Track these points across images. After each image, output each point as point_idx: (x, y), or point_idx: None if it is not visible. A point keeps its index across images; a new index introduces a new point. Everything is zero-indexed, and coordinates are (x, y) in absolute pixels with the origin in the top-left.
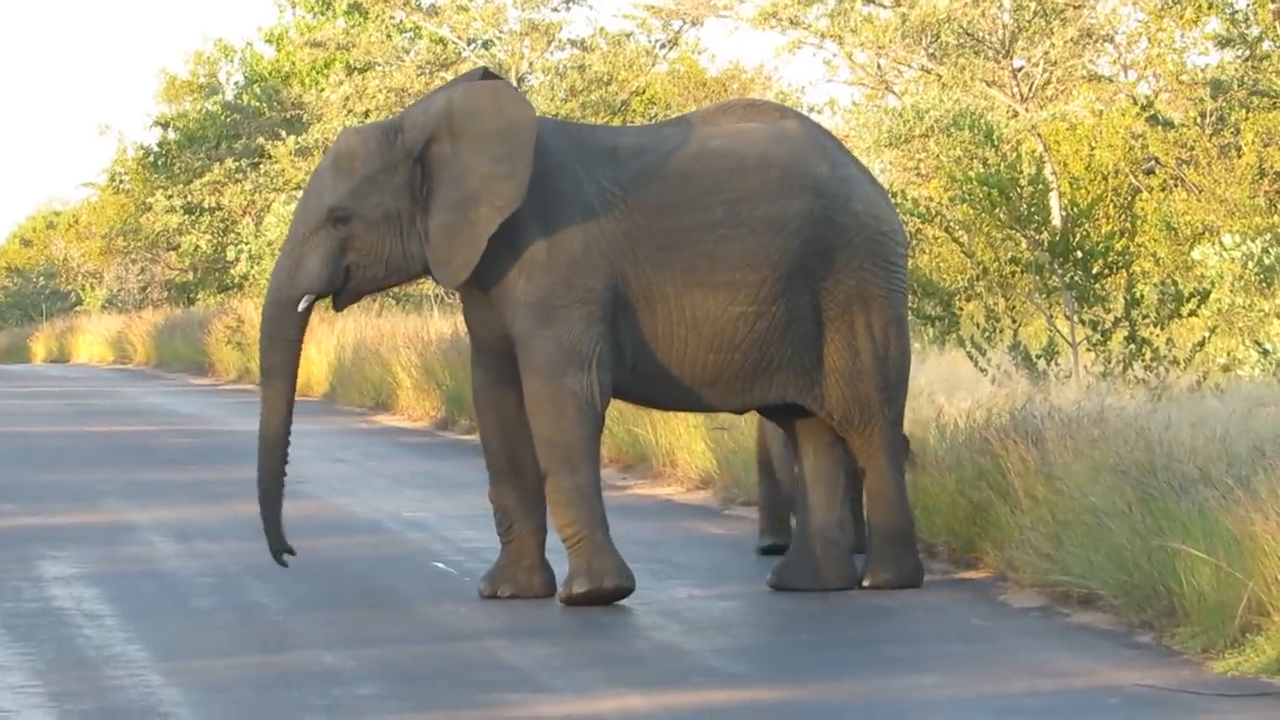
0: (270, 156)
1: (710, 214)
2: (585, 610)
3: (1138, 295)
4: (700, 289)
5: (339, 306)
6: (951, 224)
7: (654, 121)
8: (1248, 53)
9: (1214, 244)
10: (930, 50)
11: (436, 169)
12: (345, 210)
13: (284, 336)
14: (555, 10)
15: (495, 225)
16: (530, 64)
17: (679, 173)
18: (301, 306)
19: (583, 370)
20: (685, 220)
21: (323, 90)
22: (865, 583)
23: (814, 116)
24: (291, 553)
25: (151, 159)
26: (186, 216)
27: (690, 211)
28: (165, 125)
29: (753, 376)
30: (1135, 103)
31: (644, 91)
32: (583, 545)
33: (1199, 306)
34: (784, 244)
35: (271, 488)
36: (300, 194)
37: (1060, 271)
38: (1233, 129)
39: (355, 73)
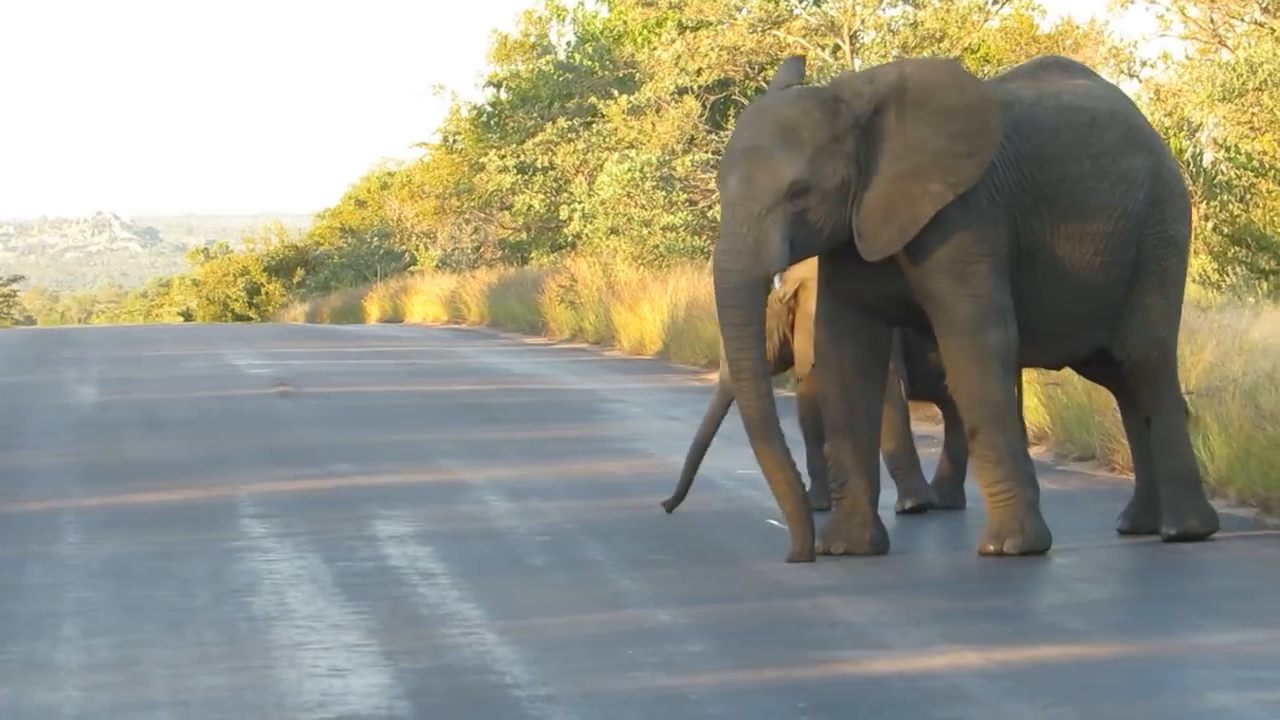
0: (603, 115)
1: (1080, 166)
2: (917, 566)
3: None
4: (1069, 240)
5: None
6: None
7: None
8: None
9: None
10: (1264, 3)
11: (880, 141)
12: (806, 183)
13: (756, 322)
14: None
15: (945, 202)
16: (862, 21)
17: (1049, 126)
18: (777, 285)
19: (999, 326)
20: (1061, 172)
21: (655, 49)
22: (1172, 532)
23: (1147, 71)
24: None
25: (484, 118)
26: (519, 176)
27: (1064, 164)
28: (498, 85)
29: (1087, 326)
30: None
31: (977, 49)
32: (1014, 503)
33: None
34: (1133, 196)
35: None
36: (720, 169)
37: None
38: None
39: (687, 31)
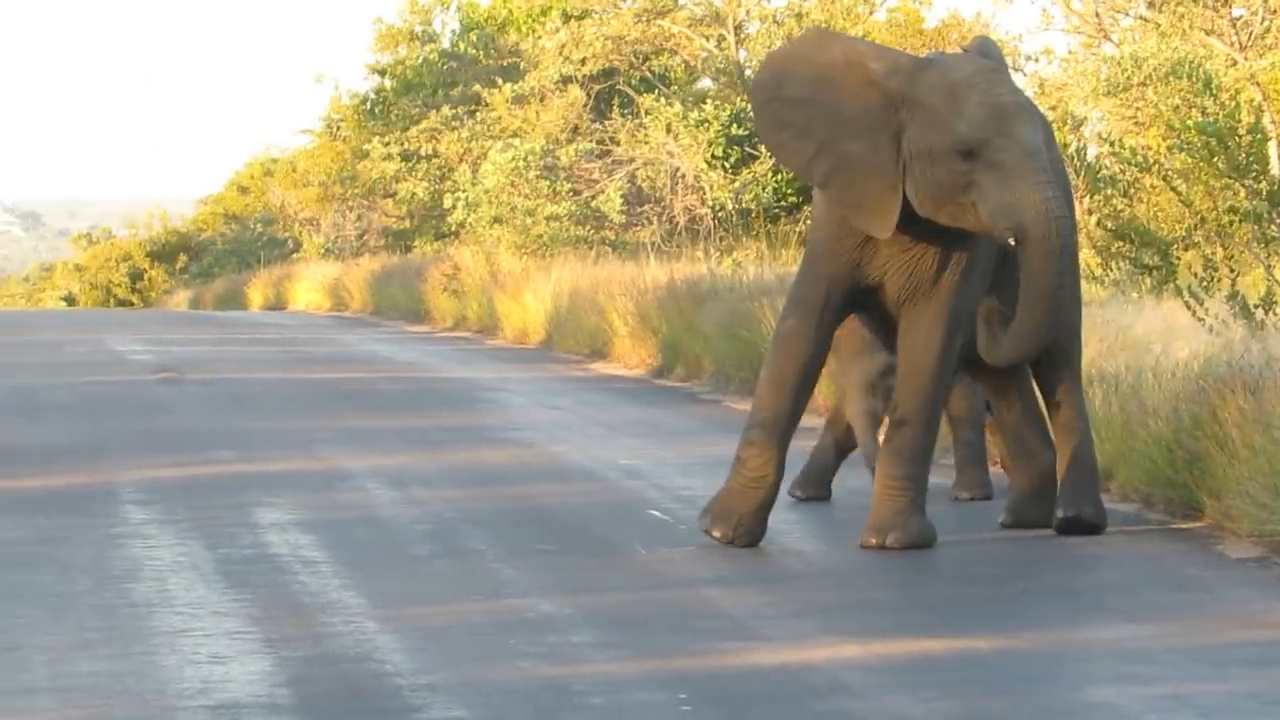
0: (487, 104)
1: None
2: (799, 559)
3: None
4: None
5: None
6: (1170, 173)
7: None
8: None
9: None
10: None
11: None
12: None
13: None
14: None
15: None
16: (748, 11)
17: None
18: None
19: (961, 334)
20: None
21: (539, 38)
22: (1071, 514)
23: (1031, 65)
24: None
25: (368, 106)
26: (403, 164)
27: None
28: (382, 73)
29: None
30: None
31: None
32: (903, 500)
33: None
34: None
35: None
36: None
37: (1279, 221)
38: None
39: (571, 20)
